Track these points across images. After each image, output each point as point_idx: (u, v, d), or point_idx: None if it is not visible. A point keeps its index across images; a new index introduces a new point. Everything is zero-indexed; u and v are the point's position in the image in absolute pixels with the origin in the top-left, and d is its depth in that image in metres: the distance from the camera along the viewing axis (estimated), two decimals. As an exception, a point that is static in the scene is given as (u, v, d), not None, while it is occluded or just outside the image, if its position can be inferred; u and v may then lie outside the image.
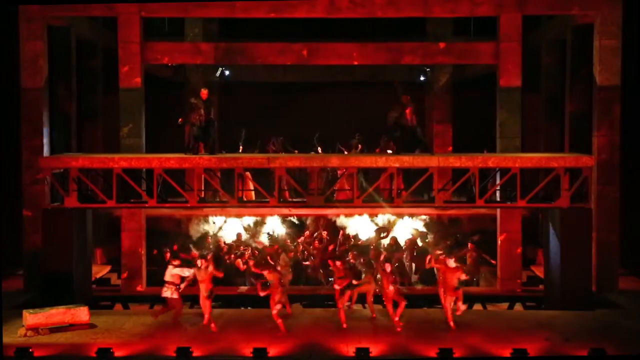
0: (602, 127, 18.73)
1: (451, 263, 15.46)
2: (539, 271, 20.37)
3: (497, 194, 18.20)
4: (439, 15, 20.93)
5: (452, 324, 15.25)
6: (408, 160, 17.61)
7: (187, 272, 15.66)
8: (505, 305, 18.82)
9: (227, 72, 24.34)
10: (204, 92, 18.01)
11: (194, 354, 13.56)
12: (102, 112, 22.88)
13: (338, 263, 15.99)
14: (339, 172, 18.65)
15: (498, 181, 17.84)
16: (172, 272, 15.64)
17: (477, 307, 18.55)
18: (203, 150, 18.25)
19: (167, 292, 15.57)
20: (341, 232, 20.23)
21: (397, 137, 17.95)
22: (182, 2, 19.61)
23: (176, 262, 15.99)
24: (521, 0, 19.25)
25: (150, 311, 16.83)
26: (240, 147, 21.16)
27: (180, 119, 17.94)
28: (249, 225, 21.07)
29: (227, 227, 20.90)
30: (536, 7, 19.43)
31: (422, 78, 24.86)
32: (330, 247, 19.53)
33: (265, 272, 15.44)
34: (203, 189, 18.79)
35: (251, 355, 13.53)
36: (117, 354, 13.62)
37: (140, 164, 17.79)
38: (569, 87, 20.26)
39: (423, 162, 17.58)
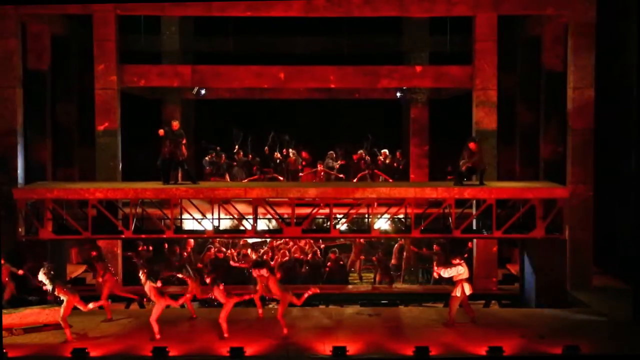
0: (576, 124, 18.90)
1: (264, 272, 14.96)
2: (514, 269, 20.52)
3: (474, 222, 18.59)
4: (415, 14, 21.10)
5: (285, 330, 14.68)
6: (385, 192, 17.69)
7: None
8: (480, 303, 18.94)
9: (202, 91, 24.22)
10: (175, 124, 17.94)
11: (170, 354, 13.51)
12: (78, 160, 22.76)
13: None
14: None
15: (474, 210, 18.25)
16: None
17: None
18: (181, 180, 18.32)
19: None
20: None
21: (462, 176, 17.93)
22: (158, 2, 19.54)
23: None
24: (496, 0, 19.40)
25: None
26: (236, 147, 21.52)
27: (161, 131, 17.92)
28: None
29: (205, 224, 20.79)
30: (511, 6, 19.56)
31: (398, 95, 24.93)
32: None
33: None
34: (180, 217, 18.71)
35: (228, 354, 13.51)
36: (93, 354, 13.53)
37: (116, 195, 17.76)
38: (542, 130, 20.69)
39: (399, 193, 17.66)
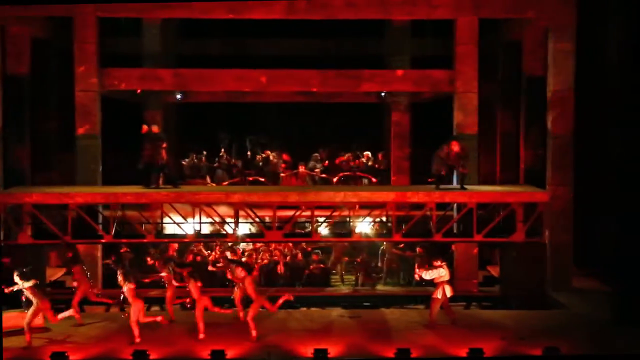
0: (556, 128, 19.00)
1: (240, 272, 14.94)
2: (495, 271, 20.60)
3: (455, 226, 18.68)
4: (397, 17, 21.14)
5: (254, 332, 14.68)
6: (366, 195, 17.74)
7: None
8: (461, 305, 18.99)
9: (179, 96, 24.17)
10: (154, 128, 18.05)
11: (151, 357, 13.46)
12: (58, 164, 22.40)
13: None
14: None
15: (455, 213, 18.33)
16: None
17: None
18: (162, 184, 18.28)
19: None
20: None
21: (439, 175, 17.94)
22: (139, 3, 19.46)
23: None
24: (477, 4, 19.48)
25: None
26: (222, 150, 21.47)
27: (144, 126, 17.85)
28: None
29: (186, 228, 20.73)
30: (492, 10, 19.66)
31: (382, 94, 24.90)
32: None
33: None
34: (162, 222, 18.62)
35: (209, 357, 13.48)
36: (72, 357, 13.45)
37: (97, 199, 17.65)
38: (523, 134, 20.79)
39: (380, 197, 17.67)
